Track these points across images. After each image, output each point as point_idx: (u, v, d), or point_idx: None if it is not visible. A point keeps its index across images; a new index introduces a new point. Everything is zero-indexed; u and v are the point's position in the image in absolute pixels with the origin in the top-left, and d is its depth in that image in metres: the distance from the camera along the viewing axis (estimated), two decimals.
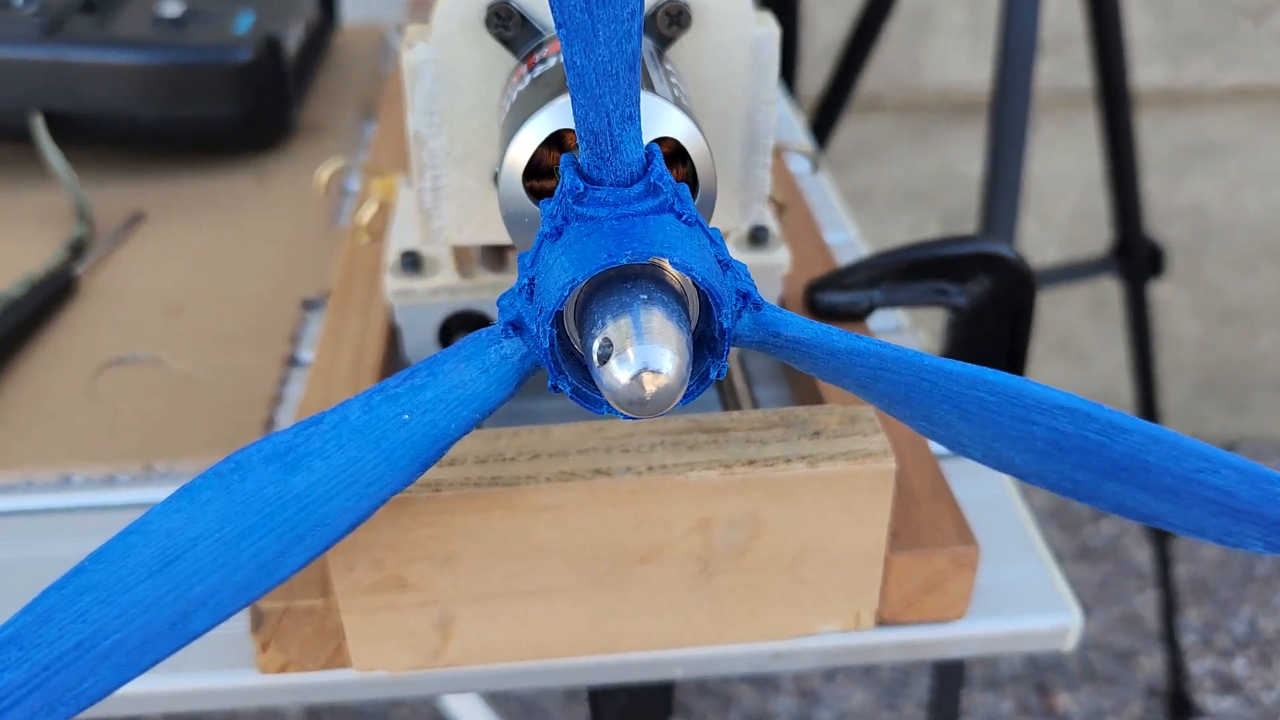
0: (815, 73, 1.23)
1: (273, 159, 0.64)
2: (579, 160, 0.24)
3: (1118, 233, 0.93)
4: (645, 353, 0.22)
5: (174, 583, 0.28)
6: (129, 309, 0.52)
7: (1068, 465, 0.29)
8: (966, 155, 1.36)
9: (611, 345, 0.23)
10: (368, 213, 0.50)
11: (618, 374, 0.23)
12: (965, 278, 0.47)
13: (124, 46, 0.59)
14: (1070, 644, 0.38)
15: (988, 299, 0.47)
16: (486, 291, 0.42)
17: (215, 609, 0.28)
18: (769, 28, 0.35)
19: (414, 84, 0.35)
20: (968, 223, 1.38)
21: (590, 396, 0.25)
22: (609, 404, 0.25)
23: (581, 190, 0.24)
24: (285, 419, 0.46)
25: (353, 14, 0.82)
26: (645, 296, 0.23)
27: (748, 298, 0.25)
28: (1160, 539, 1.16)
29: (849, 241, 0.56)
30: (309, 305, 0.52)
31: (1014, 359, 0.47)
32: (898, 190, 1.39)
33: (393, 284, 0.42)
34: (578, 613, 0.35)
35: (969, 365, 0.28)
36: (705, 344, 0.25)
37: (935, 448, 0.41)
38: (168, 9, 0.61)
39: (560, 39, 0.22)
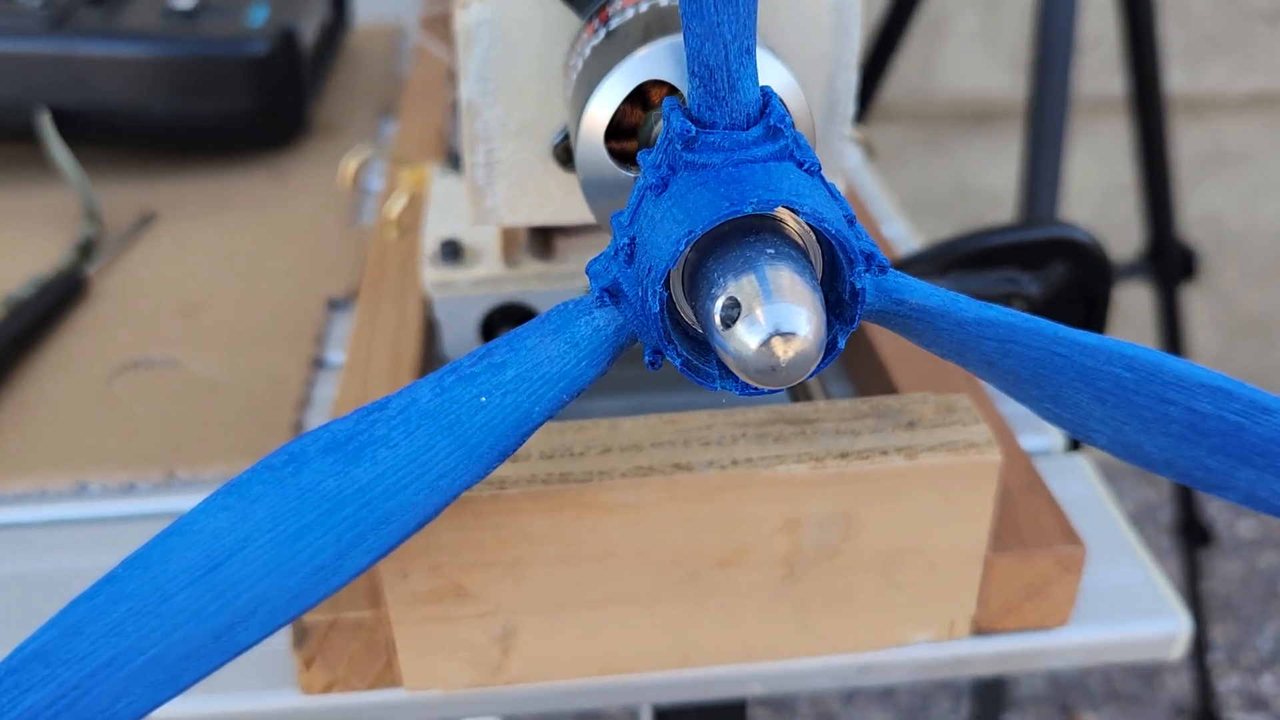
0: None
1: (288, 157, 0.61)
2: (688, 102, 0.21)
3: (1150, 236, 0.91)
4: (777, 313, 0.20)
5: (219, 590, 0.25)
6: (144, 311, 0.49)
7: (1202, 450, 0.27)
8: (979, 164, 1.34)
9: (738, 306, 0.20)
10: (397, 206, 0.47)
11: (746, 339, 0.20)
12: (1038, 265, 0.44)
13: (134, 39, 0.56)
14: (1178, 652, 0.35)
15: (1062, 289, 0.44)
16: (533, 282, 0.40)
17: (265, 619, 0.25)
18: None
19: (468, 48, 0.32)
20: None
21: (702, 370, 0.22)
22: (727, 377, 0.22)
23: (692, 134, 0.21)
24: (314, 422, 0.43)
25: (364, 15, 0.79)
26: (771, 251, 0.20)
27: (871, 259, 0.22)
28: (1189, 554, 1.13)
29: (901, 235, 0.54)
30: (334, 305, 0.49)
31: None
32: (910, 200, 1.36)
33: (432, 274, 0.40)
34: (651, 623, 0.32)
35: (1104, 338, 0.25)
36: (831, 308, 0.22)
37: (1026, 441, 0.38)
38: (179, 0, 0.58)
39: None
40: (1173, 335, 0.94)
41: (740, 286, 0.20)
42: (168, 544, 0.25)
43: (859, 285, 0.21)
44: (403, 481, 0.24)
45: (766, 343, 0.20)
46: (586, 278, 0.39)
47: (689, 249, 0.21)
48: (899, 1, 0.90)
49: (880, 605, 0.32)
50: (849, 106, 0.34)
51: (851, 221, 0.22)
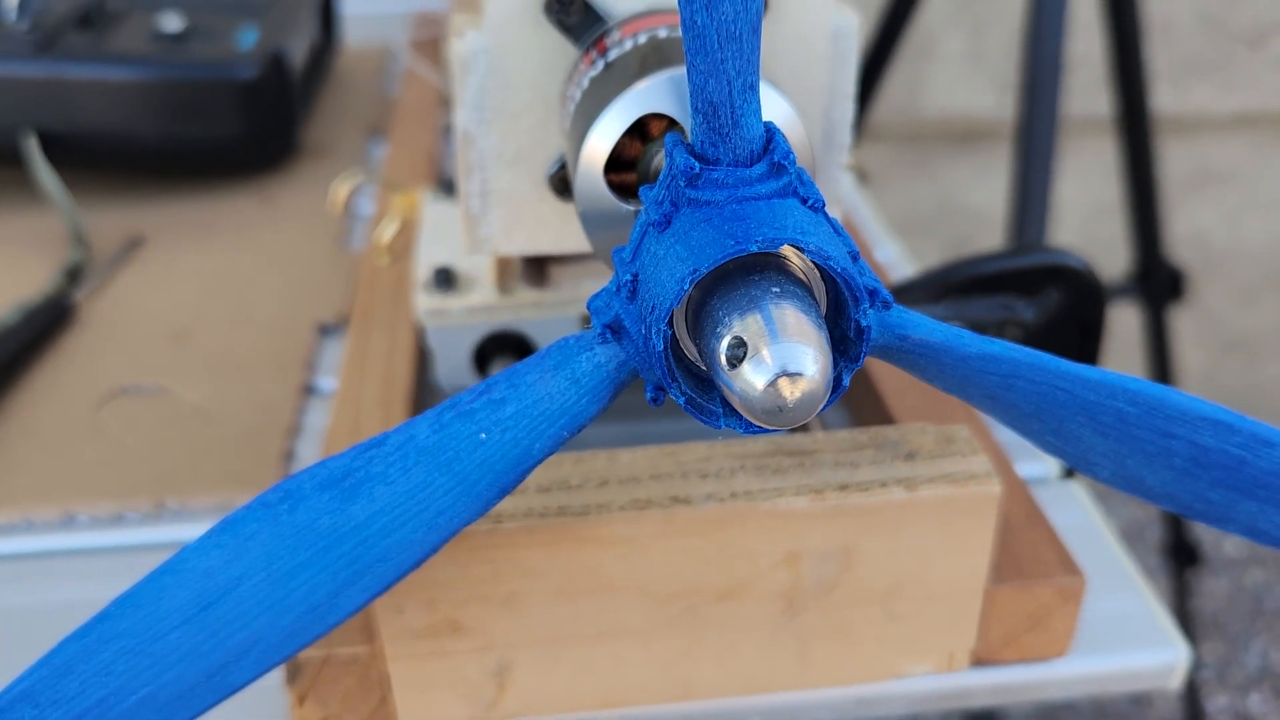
0: None
1: (276, 181, 0.61)
2: (691, 138, 0.21)
3: (1138, 256, 0.91)
4: (783, 353, 0.19)
5: (212, 629, 0.24)
6: (132, 337, 0.48)
7: (1203, 484, 0.27)
8: (966, 184, 1.34)
9: (744, 346, 0.19)
10: (388, 231, 0.47)
11: (752, 379, 0.19)
12: (1032, 291, 0.44)
13: (122, 62, 0.56)
14: (1177, 682, 0.35)
15: (1056, 314, 0.44)
16: (527, 310, 0.39)
17: (259, 659, 0.25)
18: (849, 17, 0.32)
19: (464, 77, 0.32)
20: (970, 252, 1.36)
21: (706, 407, 0.22)
22: (731, 414, 0.22)
23: (696, 171, 0.21)
24: (305, 450, 0.42)
25: (353, 37, 0.79)
26: (777, 290, 0.20)
27: (875, 295, 0.22)
28: (1178, 572, 1.13)
29: (893, 259, 0.53)
30: (324, 330, 0.49)
31: None
32: (896, 219, 1.36)
33: (425, 302, 0.39)
34: (649, 657, 0.31)
35: (1107, 372, 0.25)
36: (835, 345, 0.22)
37: (1022, 469, 0.38)
38: (168, 24, 0.58)
39: None
40: (1161, 356, 0.94)
41: (746, 325, 0.20)
42: (160, 582, 0.24)
43: (864, 323, 0.21)
44: (400, 519, 0.24)
45: (773, 383, 0.19)
46: (581, 306, 0.39)
47: (692, 287, 0.21)
48: (888, 24, 0.91)
49: (879, 637, 0.32)
50: (846, 136, 0.34)
51: (855, 258, 0.22)
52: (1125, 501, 1.48)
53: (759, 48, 0.20)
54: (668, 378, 0.21)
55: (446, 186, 0.45)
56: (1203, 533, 1.43)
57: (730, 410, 0.22)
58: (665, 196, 0.21)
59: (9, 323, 0.47)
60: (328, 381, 0.46)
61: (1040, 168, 0.73)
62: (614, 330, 0.22)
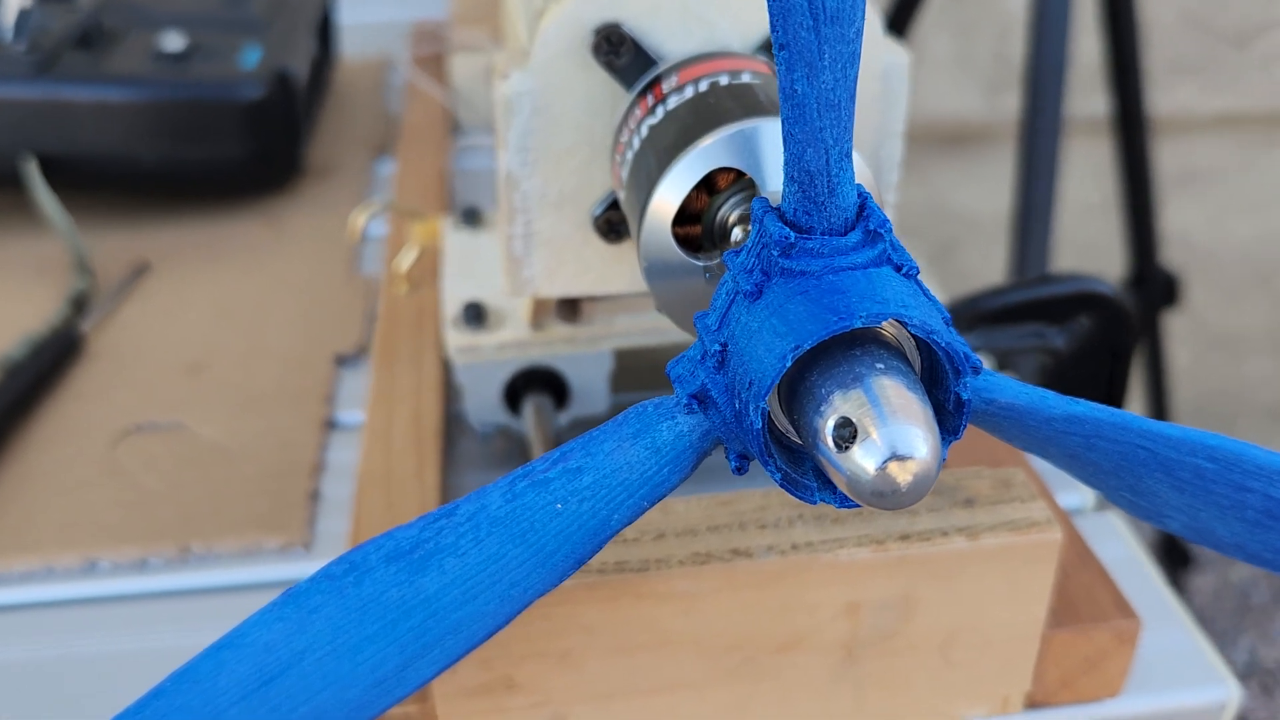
0: None
1: (281, 202, 0.60)
2: (783, 205, 0.21)
3: (1132, 260, 0.91)
4: (893, 435, 0.19)
5: (274, 704, 0.24)
6: (144, 369, 0.47)
7: (1274, 534, 0.26)
8: (955, 186, 1.34)
9: (851, 426, 0.19)
10: (407, 260, 0.46)
11: (863, 462, 0.19)
12: (1062, 319, 0.44)
13: (123, 83, 0.55)
14: (1228, 719, 0.34)
15: (1086, 341, 0.44)
16: (560, 346, 0.39)
17: None
18: (899, 55, 0.32)
19: (508, 118, 0.31)
20: (959, 255, 1.36)
21: (800, 483, 0.21)
22: (826, 488, 0.21)
23: (791, 241, 0.20)
24: (331, 489, 0.41)
25: (347, 46, 0.77)
26: (880, 365, 0.19)
27: (967, 360, 0.22)
28: (1170, 574, 1.14)
29: None
30: (342, 361, 0.48)
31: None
32: None
33: (455, 339, 0.39)
34: (705, 709, 0.31)
35: (1187, 429, 0.25)
36: None
37: (1060, 500, 0.37)
38: (169, 43, 0.56)
39: (779, 63, 0.19)
40: (1155, 361, 0.95)
41: (851, 404, 0.19)
42: (219, 656, 0.24)
43: (965, 396, 0.21)
44: (472, 591, 0.23)
45: (883, 467, 0.19)
46: (614, 341, 0.39)
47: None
48: None
49: (935, 684, 0.32)
50: (894, 174, 0.33)
51: (949, 324, 0.21)
52: None
53: (854, 114, 0.20)
54: (764, 455, 0.21)
55: (467, 216, 0.44)
56: None
57: (825, 483, 0.21)
58: (756, 265, 0.21)
59: (18, 358, 0.45)
60: (349, 415, 0.45)
61: (1043, 175, 0.73)
62: (699, 400, 0.22)
